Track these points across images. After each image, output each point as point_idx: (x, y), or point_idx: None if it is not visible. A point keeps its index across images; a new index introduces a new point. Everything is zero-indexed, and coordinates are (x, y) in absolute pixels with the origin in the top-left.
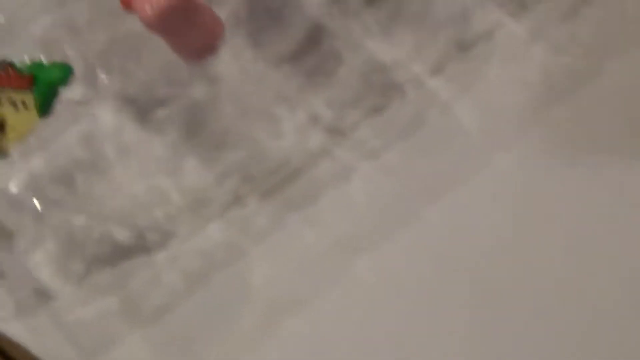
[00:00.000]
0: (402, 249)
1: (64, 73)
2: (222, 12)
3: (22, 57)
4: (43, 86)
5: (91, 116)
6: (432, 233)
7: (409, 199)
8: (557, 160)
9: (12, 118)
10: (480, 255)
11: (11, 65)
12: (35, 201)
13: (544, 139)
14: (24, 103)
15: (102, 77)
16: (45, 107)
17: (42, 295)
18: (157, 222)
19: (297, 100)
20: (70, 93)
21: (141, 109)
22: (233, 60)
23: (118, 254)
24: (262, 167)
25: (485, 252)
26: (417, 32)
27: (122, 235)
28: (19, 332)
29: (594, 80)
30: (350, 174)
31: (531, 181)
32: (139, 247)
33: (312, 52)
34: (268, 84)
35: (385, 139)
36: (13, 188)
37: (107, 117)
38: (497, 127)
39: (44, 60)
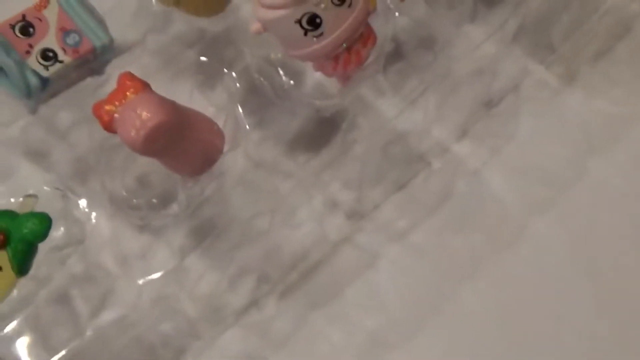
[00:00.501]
0: (439, 339)
1: (43, 226)
2: (221, 95)
3: None
4: (18, 244)
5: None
6: (471, 317)
7: (442, 281)
8: (601, 221)
9: None
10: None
11: None
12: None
13: (583, 198)
14: None
15: (93, 183)
16: (23, 266)
17: None
18: (167, 337)
19: (311, 184)
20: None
21: (140, 212)
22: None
23: None
24: (278, 264)
25: (537, 332)
26: (437, 91)
27: (130, 354)
28: None
29: (637, 125)
30: (376, 261)
31: (574, 246)
32: None
33: (323, 127)
34: (279, 169)
35: (411, 217)
36: None
37: (103, 226)
38: (531, 190)
39: (17, 210)
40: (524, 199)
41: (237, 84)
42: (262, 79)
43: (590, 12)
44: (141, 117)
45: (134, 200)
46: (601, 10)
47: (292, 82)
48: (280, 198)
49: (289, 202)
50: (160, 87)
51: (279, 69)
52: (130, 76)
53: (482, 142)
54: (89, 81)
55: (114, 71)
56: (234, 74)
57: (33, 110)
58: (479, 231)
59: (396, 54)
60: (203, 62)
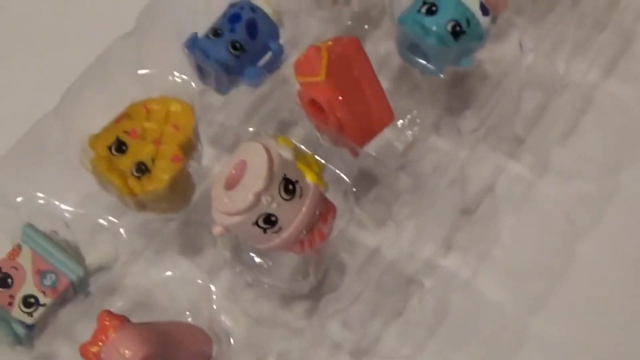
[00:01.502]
0: None
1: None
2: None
3: None
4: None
5: None
6: None
7: None
8: (600, 306)
9: None
10: None
11: None
12: None
13: (579, 283)
14: None
15: None
16: None
17: None
18: None
19: (311, 331)
20: None
21: None
22: (232, 305)
23: None
24: None
25: None
26: (414, 210)
27: None
28: None
29: (615, 199)
30: None
31: (572, 340)
32: None
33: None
34: (276, 323)
35: (413, 342)
36: None
37: None
38: (526, 288)
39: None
40: (520, 299)
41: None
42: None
43: (549, 92)
44: (125, 356)
45: None
46: (559, 89)
47: (270, 263)
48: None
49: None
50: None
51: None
52: (107, 315)
53: (469, 250)
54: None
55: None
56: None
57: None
58: (482, 342)
59: (368, 182)
60: (186, 230)
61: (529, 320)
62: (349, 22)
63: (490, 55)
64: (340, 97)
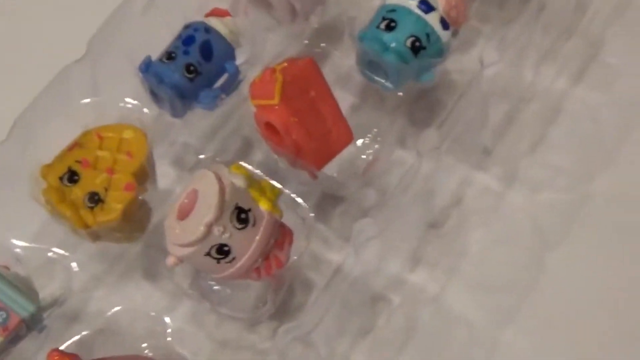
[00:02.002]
0: None
1: None
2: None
3: None
4: None
5: None
6: None
7: None
8: (566, 324)
9: None
10: None
11: None
12: None
13: (548, 297)
14: None
15: None
16: None
17: None
18: None
19: (277, 352)
20: None
21: None
22: (196, 329)
23: None
24: None
25: None
26: (380, 226)
27: None
28: None
29: (584, 208)
30: None
31: (541, 353)
32: None
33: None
34: (241, 345)
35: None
36: None
37: None
38: (494, 302)
39: None
40: (489, 314)
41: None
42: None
43: (516, 101)
44: None
45: None
46: (527, 98)
47: (228, 291)
48: None
49: None
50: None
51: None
52: (57, 355)
53: (437, 265)
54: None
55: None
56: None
57: None
58: (452, 358)
59: (331, 199)
60: (148, 254)
61: (498, 335)
62: (306, 42)
63: (457, 65)
64: (296, 120)
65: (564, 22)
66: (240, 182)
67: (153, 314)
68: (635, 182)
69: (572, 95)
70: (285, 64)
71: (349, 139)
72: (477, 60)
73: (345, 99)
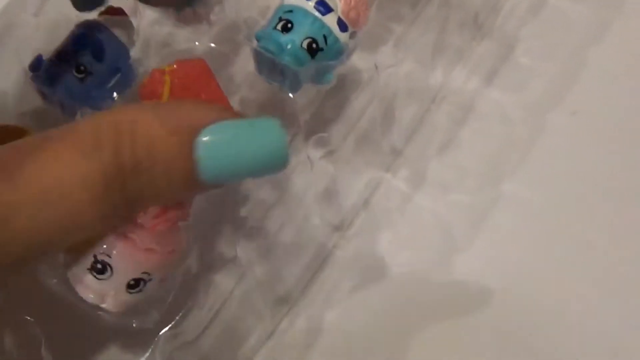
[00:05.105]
0: None
1: None
2: None
3: None
4: None
5: None
6: None
7: None
8: (476, 328)
9: None
10: None
11: None
12: None
13: (454, 301)
14: None
15: None
16: None
17: None
18: None
19: None
20: None
21: None
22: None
23: None
24: None
25: None
26: (282, 227)
27: None
28: None
29: (494, 210)
30: None
31: None
32: None
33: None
34: None
35: None
36: None
37: None
38: (403, 306)
39: None
40: (397, 319)
41: None
42: None
43: (426, 102)
44: None
45: None
46: (438, 98)
47: None
48: None
49: None
50: None
51: None
52: None
53: (346, 269)
54: None
55: None
56: None
57: None
58: None
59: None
60: None
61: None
62: (212, 45)
63: (365, 64)
64: None
65: (478, 22)
66: None
67: None
68: (544, 183)
69: (483, 96)
70: (175, 65)
71: None
72: (390, 57)
73: (252, 100)
